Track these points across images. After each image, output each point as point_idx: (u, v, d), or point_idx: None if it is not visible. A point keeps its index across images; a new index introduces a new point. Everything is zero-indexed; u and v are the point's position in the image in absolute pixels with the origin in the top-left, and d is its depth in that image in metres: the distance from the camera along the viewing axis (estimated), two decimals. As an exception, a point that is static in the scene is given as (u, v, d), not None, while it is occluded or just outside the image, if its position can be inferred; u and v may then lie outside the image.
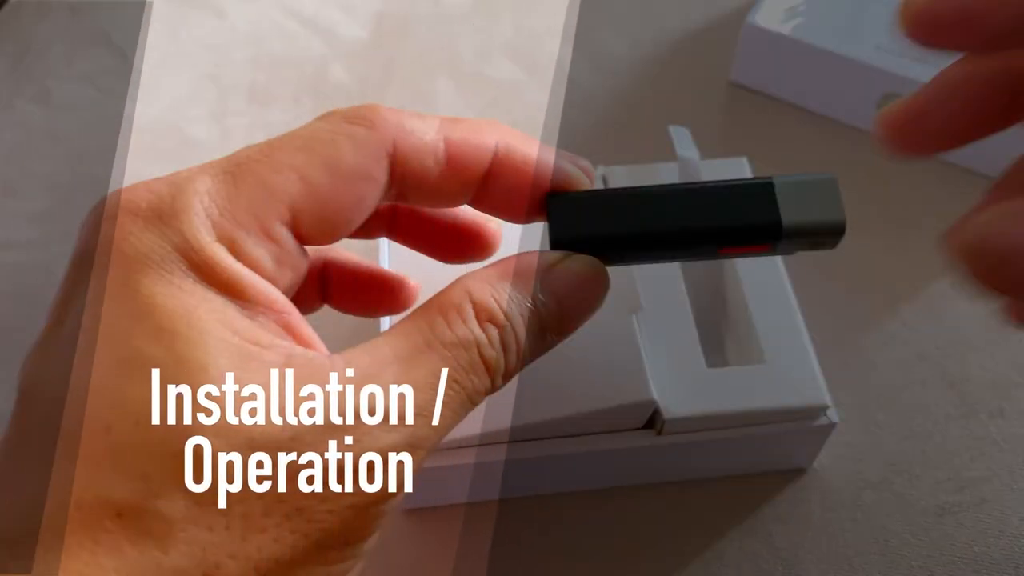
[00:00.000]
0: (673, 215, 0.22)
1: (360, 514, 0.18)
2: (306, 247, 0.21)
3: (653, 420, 0.28)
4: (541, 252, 0.22)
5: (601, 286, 0.22)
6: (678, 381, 0.28)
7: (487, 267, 0.22)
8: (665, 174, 0.33)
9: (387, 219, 0.26)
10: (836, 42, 0.39)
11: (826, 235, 0.22)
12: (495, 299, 0.21)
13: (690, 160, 0.32)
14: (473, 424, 0.27)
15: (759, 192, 0.22)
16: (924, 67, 0.39)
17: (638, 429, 0.29)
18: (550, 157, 0.23)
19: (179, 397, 0.18)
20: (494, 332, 0.20)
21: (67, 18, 0.46)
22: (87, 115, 0.43)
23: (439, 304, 0.21)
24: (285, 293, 0.21)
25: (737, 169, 0.33)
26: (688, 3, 0.47)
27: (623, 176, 0.32)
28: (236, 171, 0.20)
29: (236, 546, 0.17)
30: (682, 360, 0.29)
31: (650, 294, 0.29)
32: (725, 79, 0.44)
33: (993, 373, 0.34)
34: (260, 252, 0.20)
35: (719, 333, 0.32)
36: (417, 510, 0.31)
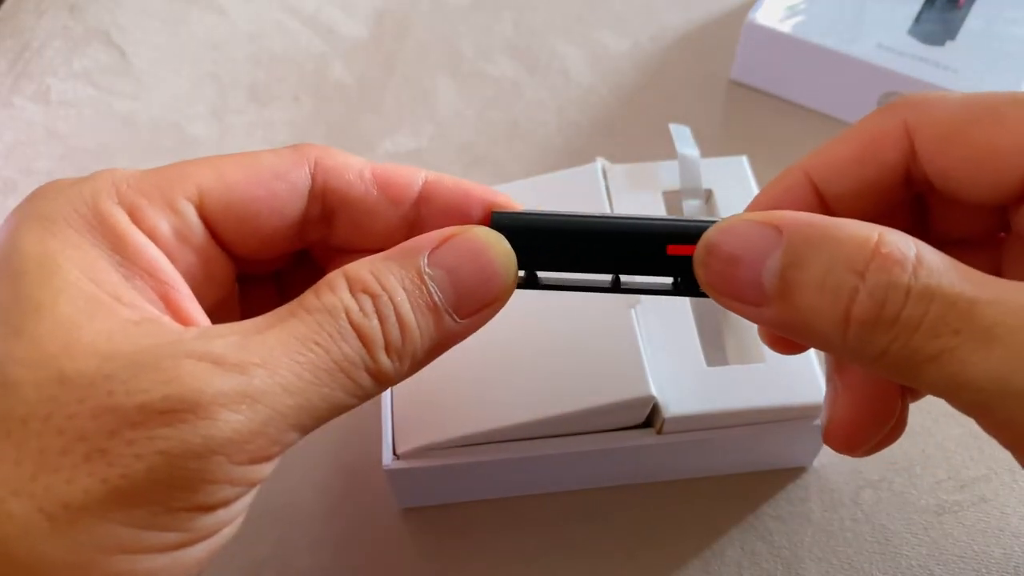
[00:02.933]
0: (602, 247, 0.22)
1: (175, 466, 0.17)
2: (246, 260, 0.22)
3: (652, 418, 0.28)
4: (436, 231, 0.21)
5: (496, 256, 0.21)
6: (678, 379, 0.28)
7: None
8: (665, 172, 0.33)
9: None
10: (836, 40, 0.39)
11: None
12: (372, 272, 0.20)
13: (690, 158, 0.32)
14: (473, 423, 0.27)
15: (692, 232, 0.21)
16: (924, 66, 0.39)
17: (638, 427, 0.29)
18: (486, 187, 0.23)
19: (5, 332, 0.18)
20: (367, 301, 0.19)
21: (66, 16, 0.46)
22: (86, 113, 0.43)
23: (315, 285, 0.20)
24: (188, 275, 0.21)
25: (736, 167, 0.33)
26: (688, 1, 0.47)
27: (622, 174, 0.32)
28: (163, 167, 0.21)
29: (22, 483, 0.16)
30: (682, 358, 0.29)
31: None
32: (725, 77, 0.44)
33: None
34: (159, 221, 0.20)
35: (719, 331, 0.32)
36: (417, 508, 0.31)
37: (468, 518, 0.31)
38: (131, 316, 0.18)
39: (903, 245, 0.17)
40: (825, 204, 0.22)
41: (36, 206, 0.19)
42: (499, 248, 0.21)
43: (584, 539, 0.30)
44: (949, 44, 0.39)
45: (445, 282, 0.20)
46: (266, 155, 0.22)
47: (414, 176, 0.23)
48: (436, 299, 0.20)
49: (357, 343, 0.19)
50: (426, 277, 0.20)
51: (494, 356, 0.28)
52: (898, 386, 0.22)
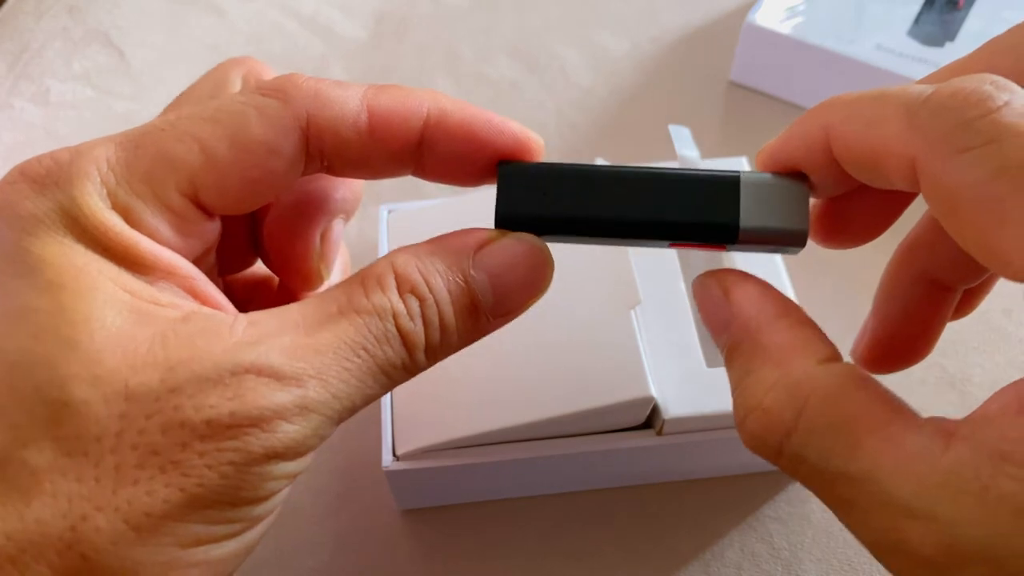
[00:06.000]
0: (628, 202, 0.21)
1: (242, 472, 0.18)
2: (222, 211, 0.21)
3: (652, 419, 0.28)
4: (480, 229, 0.21)
5: (541, 267, 0.21)
6: (678, 380, 0.28)
7: (421, 242, 0.21)
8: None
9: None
10: (836, 41, 0.39)
11: (785, 243, 0.21)
12: (420, 271, 0.20)
13: (690, 159, 0.32)
14: (473, 425, 0.27)
15: (723, 188, 0.21)
16: (924, 67, 0.39)
17: (638, 428, 0.29)
18: (496, 120, 0.22)
19: (57, 346, 0.17)
20: (414, 304, 0.20)
21: (65, 17, 0.46)
22: (86, 114, 0.43)
23: (361, 275, 0.20)
24: (189, 256, 0.21)
25: (736, 168, 0.33)
26: (688, 2, 0.47)
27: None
28: (140, 140, 0.20)
29: (105, 498, 0.17)
30: (681, 359, 0.28)
31: (649, 290, 0.29)
32: (725, 78, 0.44)
33: (993, 374, 0.34)
34: (157, 222, 0.19)
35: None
36: (417, 510, 0.31)
37: (468, 519, 0.31)
38: (176, 315, 0.19)
39: (784, 408, 0.19)
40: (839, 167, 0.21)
41: (22, 206, 0.19)
42: (540, 256, 0.21)
43: (584, 541, 0.30)
44: (948, 45, 0.39)
45: (487, 286, 0.21)
46: (254, 122, 0.20)
47: (414, 121, 0.21)
48: (478, 302, 0.21)
49: (400, 346, 0.20)
50: (471, 280, 0.20)
51: (494, 357, 0.28)
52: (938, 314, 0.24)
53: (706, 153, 0.33)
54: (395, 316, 0.19)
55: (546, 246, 0.22)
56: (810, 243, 0.23)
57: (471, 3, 0.47)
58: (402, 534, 0.31)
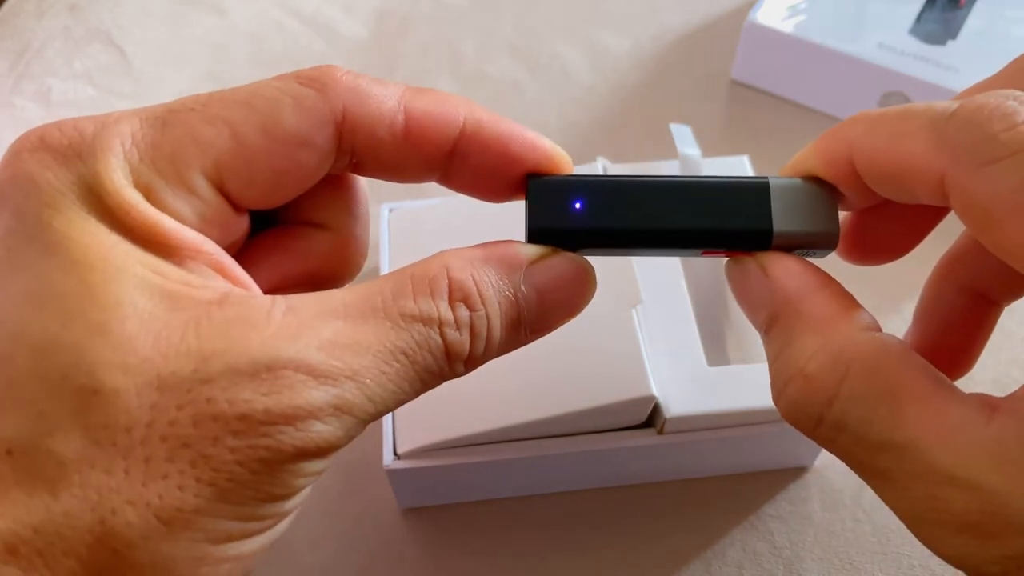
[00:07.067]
0: (659, 212, 0.21)
1: (273, 469, 0.17)
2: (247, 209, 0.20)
3: (653, 418, 0.28)
4: (528, 243, 0.21)
5: (587, 289, 0.21)
6: (679, 379, 0.28)
7: (471, 247, 0.20)
8: (666, 172, 0.33)
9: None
10: (837, 40, 0.39)
11: (816, 245, 0.21)
12: (475, 280, 0.19)
13: (691, 158, 0.32)
14: (475, 423, 0.27)
15: (753, 193, 0.21)
16: (925, 65, 0.38)
17: (639, 427, 0.29)
18: (530, 136, 0.21)
19: (87, 331, 0.17)
20: (464, 314, 0.19)
21: (67, 16, 0.46)
22: (87, 113, 0.42)
23: (413, 272, 0.20)
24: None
25: (738, 167, 0.33)
26: (689, 1, 0.47)
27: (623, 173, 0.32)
28: (168, 117, 0.19)
29: (135, 492, 0.16)
30: (683, 357, 0.28)
31: (651, 289, 0.29)
32: (726, 77, 0.43)
33: (994, 371, 0.34)
34: (180, 204, 0.19)
35: (720, 331, 0.32)
36: (418, 509, 0.31)
37: (468, 518, 0.31)
38: (210, 297, 0.18)
39: (826, 375, 0.18)
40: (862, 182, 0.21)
41: (43, 178, 0.18)
42: (588, 278, 0.21)
43: (584, 539, 0.30)
44: (950, 44, 0.39)
45: (533, 303, 0.20)
46: (289, 111, 0.19)
47: (450, 129, 0.21)
48: (523, 317, 0.20)
49: (442, 356, 0.19)
50: (520, 294, 0.20)
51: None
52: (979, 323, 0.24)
53: (707, 152, 0.33)
54: (441, 325, 0.19)
55: (593, 269, 0.21)
56: (840, 260, 0.23)
57: (472, 2, 0.47)
58: (403, 532, 0.31)
